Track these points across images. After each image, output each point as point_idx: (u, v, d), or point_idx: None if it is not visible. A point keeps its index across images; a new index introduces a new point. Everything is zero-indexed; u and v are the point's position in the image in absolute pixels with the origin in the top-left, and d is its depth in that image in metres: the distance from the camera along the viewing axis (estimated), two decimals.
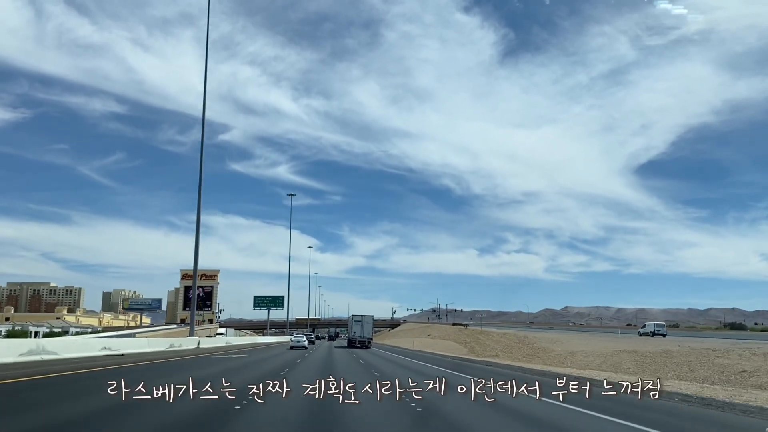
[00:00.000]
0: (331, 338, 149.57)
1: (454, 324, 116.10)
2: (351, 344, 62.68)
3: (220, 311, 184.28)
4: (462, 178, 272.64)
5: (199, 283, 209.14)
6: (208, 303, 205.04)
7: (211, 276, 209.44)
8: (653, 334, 66.20)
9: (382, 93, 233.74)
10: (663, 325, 73.90)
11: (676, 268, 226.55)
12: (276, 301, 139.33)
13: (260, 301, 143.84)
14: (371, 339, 65.81)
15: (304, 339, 64.95)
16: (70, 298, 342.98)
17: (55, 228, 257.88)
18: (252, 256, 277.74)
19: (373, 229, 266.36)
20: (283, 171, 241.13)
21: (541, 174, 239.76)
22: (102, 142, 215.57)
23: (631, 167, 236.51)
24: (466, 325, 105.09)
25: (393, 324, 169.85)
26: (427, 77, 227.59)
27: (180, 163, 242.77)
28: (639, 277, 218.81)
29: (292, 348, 56.58)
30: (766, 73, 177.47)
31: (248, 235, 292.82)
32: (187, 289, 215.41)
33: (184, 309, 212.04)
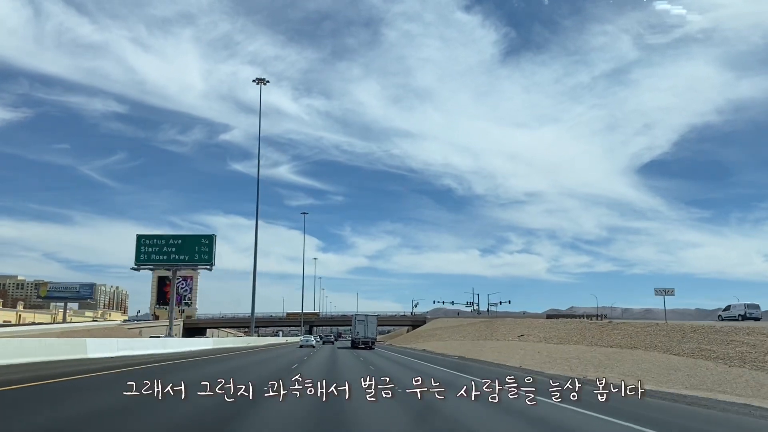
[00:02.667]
0: (334, 338, 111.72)
1: (549, 317, 74.37)
2: (354, 345, 61.89)
3: (184, 305, 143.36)
4: (464, 178, 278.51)
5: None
6: (187, 297, 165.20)
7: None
8: (743, 317, 52.27)
9: (383, 93, 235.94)
10: (757, 306, 55.81)
11: (679, 268, 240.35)
12: (193, 248, 59.73)
13: (150, 246, 59.75)
14: (375, 340, 65.92)
15: (312, 339, 70.01)
16: (39, 293, 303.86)
17: (56, 228, 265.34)
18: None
19: (375, 229, 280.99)
20: (285, 171, 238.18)
21: (543, 174, 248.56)
22: (103, 141, 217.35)
23: (633, 167, 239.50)
24: (604, 317, 62.29)
25: (416, 321, 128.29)
26: (428, 76, 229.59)
27: (181, 163, 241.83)
28: (642, 277, 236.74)
29: (301, 347, 59.64)
30: None
31: (250, 235, 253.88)
32: (161, 280, 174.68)
33: (158, 304, 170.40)
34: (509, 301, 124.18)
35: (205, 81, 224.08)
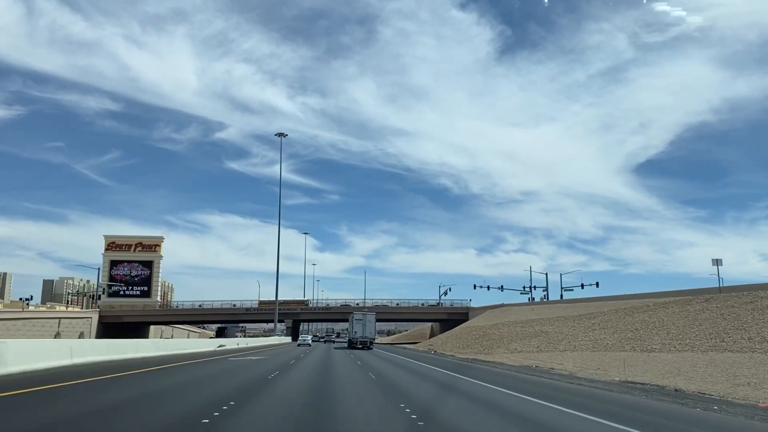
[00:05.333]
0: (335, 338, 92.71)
1: None
2: (352, 345, 59.44)
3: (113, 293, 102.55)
4: (460, 178, 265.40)
5: (130, 256, 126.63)
6: (145, 284, 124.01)
7: (151, 246, 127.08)
8: None
9: (379, 91, 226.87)
10: None
11: (675, 268, 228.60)
12: None
13: None
14: (373, 340, 64.62)
15: (309, 338, 70.99)
16: None
17: (52, 227, 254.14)
18: (250, 256, 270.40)
19: (371, 228, 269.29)
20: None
21: (539, 173, 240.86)
22: (97, 140, 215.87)
23: (629, 166, 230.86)
24: None
25: (453, 314, 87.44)
26: (423, 75, 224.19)
27: (176, 162, 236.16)
28: (639, 277, 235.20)
29: (299, 345, 60.80)
30: (765, 71, 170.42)
31: (246, 234, 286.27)
32: (113, 264, 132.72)
33: (110, 293, 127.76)
34: (597, 284, 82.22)
35: (200, 79, 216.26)
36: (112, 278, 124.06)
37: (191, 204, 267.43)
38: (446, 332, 74.30)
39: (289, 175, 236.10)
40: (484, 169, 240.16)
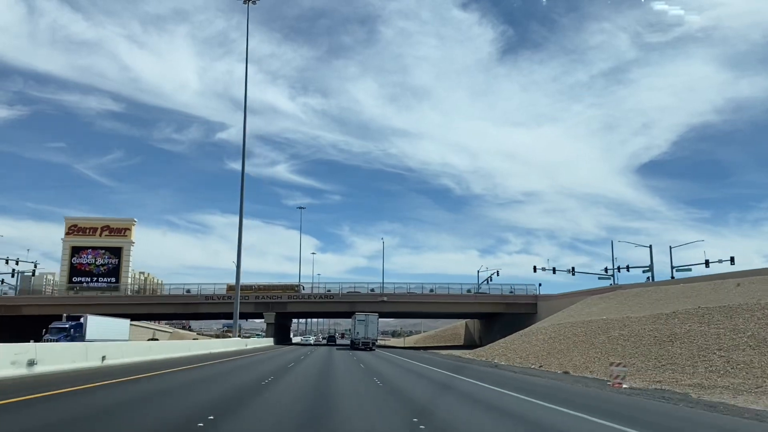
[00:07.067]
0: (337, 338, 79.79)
1: None
2: (354, 346, 59.52)
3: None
4: (462, 178, 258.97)
5: (95, 242, 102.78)
6: (113, 275, 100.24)
7: (119, 230, 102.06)
8: None
9: (380, 91, 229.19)
10: None
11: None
12: None
13: None
14: (375, 341, 63.14)
15: (311, 338, 74.10)
16: None
17: (54, 227, 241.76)
18: (252, 256, 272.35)
19: (373, 228, 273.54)
20: (282, 170, 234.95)
21: (541, 174, 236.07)
22: (99, 140, 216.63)
23: (632, 167, 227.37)
24: None
25: (514, 305, 61.13)
26: (425, 75, 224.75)
27: (178, 162, 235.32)
28: (641, 278, 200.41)
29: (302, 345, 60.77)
30: None
31: (248, 234, 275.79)
32: (75, 251, 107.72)
33: (71, 283, 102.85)
34: (732, 260, 55.09)
35: (200, 79, 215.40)
36: (73, 268, 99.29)
37: (193, 204, 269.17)
38: (519, 332, 46.23)
39: (290, 176, 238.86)
40: (485, 170, 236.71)
